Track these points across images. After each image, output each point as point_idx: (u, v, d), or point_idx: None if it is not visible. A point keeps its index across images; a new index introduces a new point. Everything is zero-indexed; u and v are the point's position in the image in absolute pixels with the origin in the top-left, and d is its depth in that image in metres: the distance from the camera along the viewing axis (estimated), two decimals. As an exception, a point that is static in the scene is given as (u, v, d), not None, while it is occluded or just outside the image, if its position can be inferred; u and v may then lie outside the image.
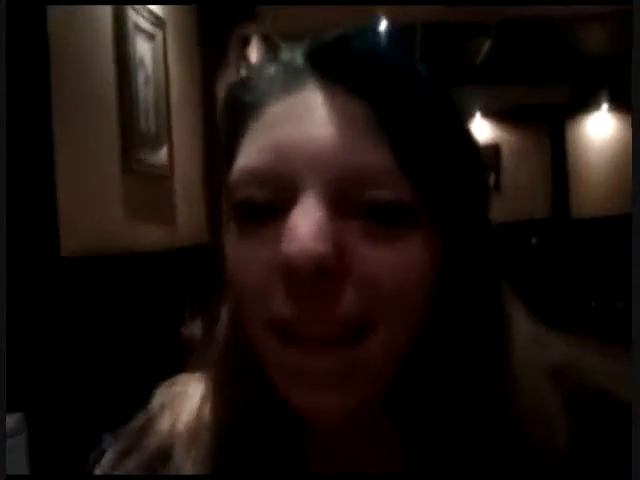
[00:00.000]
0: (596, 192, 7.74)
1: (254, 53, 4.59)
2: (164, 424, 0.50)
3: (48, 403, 1.67)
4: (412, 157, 0.36)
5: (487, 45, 6.10)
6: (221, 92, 3.82)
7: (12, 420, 1.42)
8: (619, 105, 7.68)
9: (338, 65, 0.38)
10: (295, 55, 0.41)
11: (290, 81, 0.40)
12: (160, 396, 0.52)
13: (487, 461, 0.40)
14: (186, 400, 0.50)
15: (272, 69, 0.42)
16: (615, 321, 6.38)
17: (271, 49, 4.96)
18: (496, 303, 0.43)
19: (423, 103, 0.39)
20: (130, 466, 0.49)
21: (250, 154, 0.38)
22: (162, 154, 2.82)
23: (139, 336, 2.29)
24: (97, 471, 0.51)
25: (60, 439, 1.67)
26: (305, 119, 0.37)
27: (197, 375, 0.51)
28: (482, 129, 7.85)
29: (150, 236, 2.65)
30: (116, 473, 0.50)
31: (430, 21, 4.91)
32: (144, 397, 0.54)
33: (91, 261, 1.98)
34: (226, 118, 0.42)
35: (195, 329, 2.52)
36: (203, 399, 0.48)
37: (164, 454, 0.48)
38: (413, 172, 0.37)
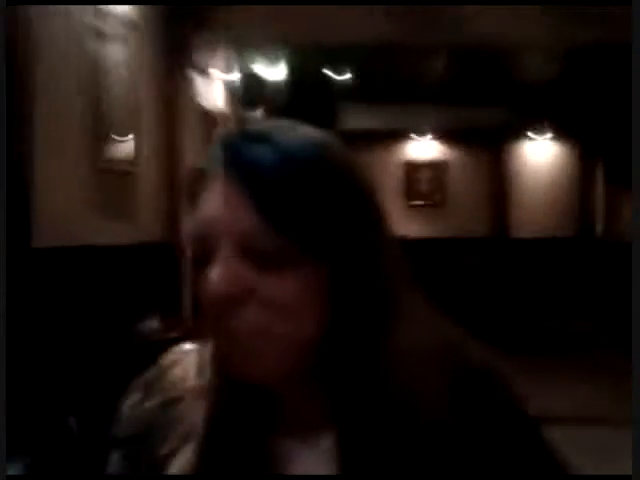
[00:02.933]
0: (534, 215, 8.11)
1: (216, 58, 4.70)
2: (175, 377, 0.68)
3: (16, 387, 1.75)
4: (284, 224, 0.56)
5: (440, 68, 6.36)
6: (183, 97, 3.91)
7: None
8: (559, 133, 8.10)
9: (234, 165, 0.59)
10: (215, 152, 0.61)
11: (213, 170, 0.60)
12: (170, 355, 0.71)
13: (378, 416, 0.58)
14: (191, 363, 0.69)
15: (206, 158, 0.62)
16: (547, 339, 6.71)
17: (235, 57, 5.07)
18: (383, 303, 0.60)
19: (292, 190, 0.57)
20: (148, 407, 0.67)
21: (196, 218, 0.60)
22: (128, 153, 2.91)
23: (98, 327, 2.36)
24: (124, 409, 0.68)
25: (28, 421, 1.76)
26: (219, 201, 0.58)
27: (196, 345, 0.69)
28: (432, 147, 8.14)
29: (115, 231, 2.72)
30: (137, 413, 0.67)
31: (384, 42, 5.08)
32: (106, 382, 0.70)
33: (60, 253, 2.06)
34: (188, 190, 0.67)
35: (153, 324, 2.61)
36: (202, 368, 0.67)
37: (175, 402, 0.66)
38: (286, 233, 0.56)
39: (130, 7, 3.00)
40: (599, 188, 8.33)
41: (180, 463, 0.62)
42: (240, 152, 0.59)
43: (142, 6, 3.16)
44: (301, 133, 0.61)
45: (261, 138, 0.59)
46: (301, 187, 0.57)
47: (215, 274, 0.56)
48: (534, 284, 7.50)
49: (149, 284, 2.97)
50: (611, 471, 3.58)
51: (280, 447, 0.62)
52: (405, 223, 7.78)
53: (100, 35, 2.60)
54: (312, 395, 0.62)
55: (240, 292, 0.56)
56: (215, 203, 0.58)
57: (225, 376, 0.62)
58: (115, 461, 0.67)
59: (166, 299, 3.05)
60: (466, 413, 0.59)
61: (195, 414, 0.64)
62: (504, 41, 5.08)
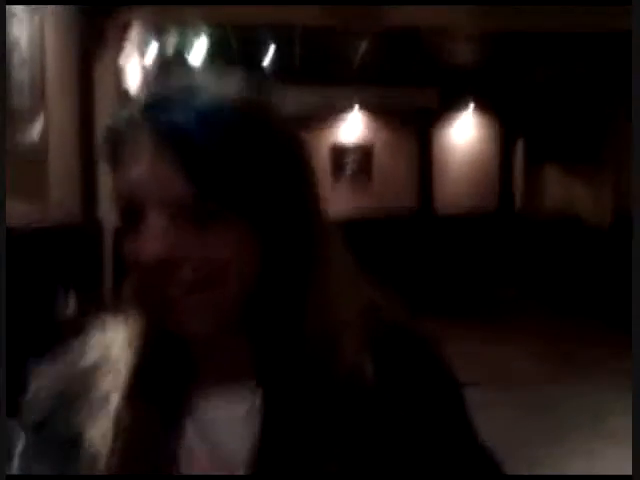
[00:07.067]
0: (458, 191, 8.35)
1: (134, 39, 4.64)
2: (91, 350, 0.68)
3: None
4: (213, 189, 0.58)
5: (363, 48, 6.44)
6: (98, 74, 3.87)
7: None
8: (481, 111, 8.35)
9: (154, 123, 0.59)
10: (134, 110, 0.61)
11: (133, 130, 0.60)
12: (85, 332, 0.70)
13: (299, 361, 0.61)
14: (114, 333, 0.68)
15: (123, 120, 0.61)
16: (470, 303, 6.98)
17: (152, 36, 5.01)
18: (308, 260, 0.63)
19: (218, 154, 0.58)
20: (58, 382, 0.67)
21: (120, 181, 0.60)
22: (37, 134, 2.88)
23: (14, 311, 2.36)
24: (35, 391, 0.68)
25: None
26: (142, 161, 0.58)
27: (120, 319, 0.69)
28: (358, 127, 8.24)
29: (26, 213, 2.70)
30: (47, 393, 0.67)
31: (310, 24, 5.12)
32: (20, 373, 0.69)
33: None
34: (105, 150, 0.63)
35: (70, 309, 2.60)
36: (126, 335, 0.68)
37: (89, 371, 0.67)
38: (215, 197, 0.58)
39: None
40: (520, 165, 8.65)
41: (95, 433, 0.63)
42: (165, 115, 0.58)
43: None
44: (226, 90, 0.62)
45: (186, 99, 0.59)
46: (226, 150, 0.58)
47: (149, 241, 0.57)
48: (459, 255, 7.77)
49: (64, 265, 2.96)
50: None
51: (202, 398, 0.64)
52: (331, 205, 7.87)
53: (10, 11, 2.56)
54: (235, 348, 0.64)
55: (176, 256, 0.57)
56: (141, 168, 0.58)
57: (152, 332, 0.63)
58: (23, 446, 0.67)
59: (83, 279, 3.05)
60: (388, 370, 0.62)
61: (110, 382, 0.65)
62: (428, 26, 5.21)
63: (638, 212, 0.80)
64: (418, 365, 0.64)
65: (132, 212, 0.59)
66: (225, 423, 0.63)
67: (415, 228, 7.90)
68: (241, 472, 0.61)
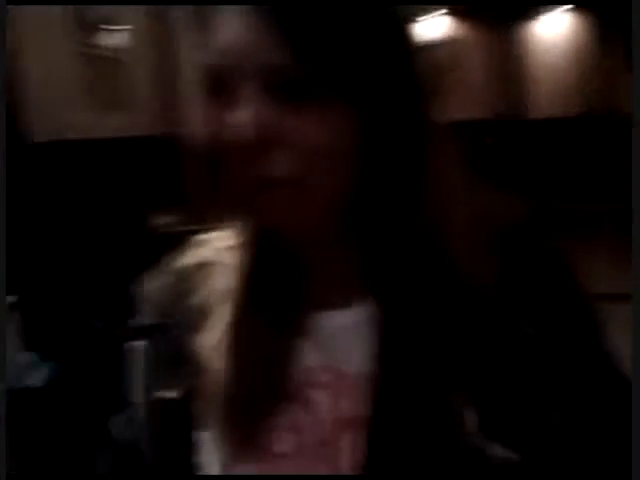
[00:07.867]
0: (552, 92, 7.86)
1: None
2: (203, 260, 0.65)
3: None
4: (315, 58, 0.51)
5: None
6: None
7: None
8: (577, 6, 7.70)
9: None
10: None
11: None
12: (194, 241, 0.67)
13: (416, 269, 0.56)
14: (217, 246, 0.65)
15: None
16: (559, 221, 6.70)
17: None
18: (418, 156, 0.56)
19: (322, 21, 0.52)
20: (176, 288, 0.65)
21: (208, 53, 0.54)
22: (117, 38, 2.82)
23: (107, 221, 2.36)
24: (149, 295, 0.66)
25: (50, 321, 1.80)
26: (242, 32, 0.52)
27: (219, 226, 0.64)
28: (440, 25, 7.78)
29: (107, 123, 2.66)
30: (164, 296, 0.65)
31: None
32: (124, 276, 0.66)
33: (57, 146, 2.03)
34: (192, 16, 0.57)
35: (163, 218, 2.60)
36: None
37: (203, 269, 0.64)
38: (317, 68, 0.51)
39: None
40: (614, 68, 8.00)
41: (210, 336, 0.60)
42: None
43: None
44: None
45: None
46: (332, 17, 0.52)
47: (243, 115, 0.51)
48: (554, 165, 7.40)
49: (146, 177, 2.93)
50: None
51: (314, 308, 0.60)
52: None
53: None
54: (344, 261, 0.59)
55: (271, 134, 0.51)
56: (237, 34, 0.52)
57: (259, 236, 0.58)
58: (140, 350, 0.66)
59: (167, 191, 3.04)
60: (514, 283, 0.56)
61: (223, 280, 0.61)
62: None
63: (638, 210, 0.73)
64: (548, 277, 0.57)
65: (220, 86, 0.53)
66: (340, 333, 0.59)
67: (505, 133, 7.54)
68: (359, 382, 0.57)
